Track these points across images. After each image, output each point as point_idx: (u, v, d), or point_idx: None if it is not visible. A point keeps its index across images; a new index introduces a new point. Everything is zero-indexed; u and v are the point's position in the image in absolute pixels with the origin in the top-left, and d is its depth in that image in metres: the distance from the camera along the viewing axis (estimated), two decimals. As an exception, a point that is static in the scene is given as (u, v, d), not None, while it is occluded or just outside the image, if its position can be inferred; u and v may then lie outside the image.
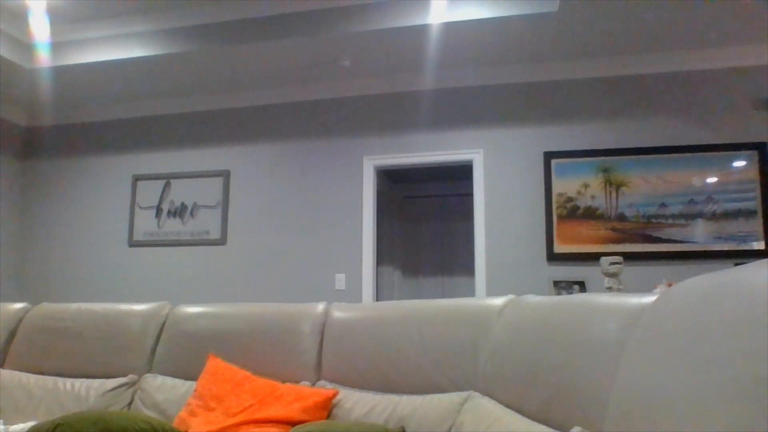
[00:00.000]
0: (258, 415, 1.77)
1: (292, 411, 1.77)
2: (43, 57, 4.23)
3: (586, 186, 3.96)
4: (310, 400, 1.82)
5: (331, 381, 1.99)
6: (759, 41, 3.73)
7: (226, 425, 1.74)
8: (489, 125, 4.22)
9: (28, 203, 5.09)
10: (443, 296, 5.80)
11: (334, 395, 1.86)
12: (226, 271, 4.51)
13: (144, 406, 2.14)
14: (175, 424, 1.88)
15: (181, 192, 4.72)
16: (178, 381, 2.16)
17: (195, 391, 1.97)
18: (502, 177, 4.13)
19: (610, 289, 3.05)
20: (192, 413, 1.87)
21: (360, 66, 4.21)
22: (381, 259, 5.87)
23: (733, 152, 3.80)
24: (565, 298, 1.54)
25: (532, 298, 1.62)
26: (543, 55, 4.00)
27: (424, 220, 6.22)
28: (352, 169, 4.41)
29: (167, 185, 4.75)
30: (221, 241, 4.55)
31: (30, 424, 2.07)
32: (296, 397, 1.84)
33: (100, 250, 4.82)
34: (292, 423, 1.73)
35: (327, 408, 1.83)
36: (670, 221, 3.81)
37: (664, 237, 3.81)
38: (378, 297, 4.64)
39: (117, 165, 4.93)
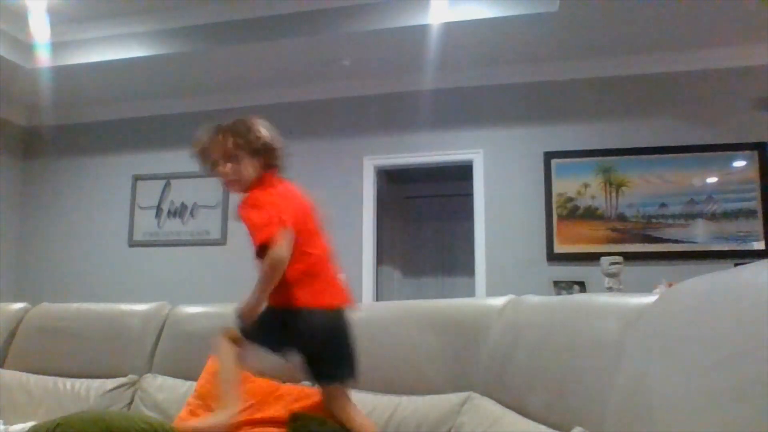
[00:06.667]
0: (258, 416, 1.76)
1: (293, 411, 1.77)
2: (43, 57, 4.22)
3: (586, 186, 3.96)
4: (310, 400, 1.82)
5: (331, 381, 1.98)
6: (759, 41, 3.72)
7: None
8: (489, 125, 4.22)
9: (28, 203, 5.09)
10: (443, 296, 5.79)
11: None
12: (226, 271, 4.50)
13: (144, 406, 2.13)
14: (175, 423, 1.88)
15: (181, 192, 4.71)
16: (178, 381, 2.15)
17: (195, 391, 1.97)
18: (502, 177, 4.13)
19: (610, 289, 3.05)
20: (192, 413, 1.87)
21: (360, 66, 4.21)
22: (381, 259, 5.86)
23: (733, 152, 3.80)
24: (565, 298, 1.54)
25: (532, 299, 1.62)
26: (543, 55, 4.00)
27: (424, 220, 6.22)
28: (352, 169, 4.41)
29: (167, 185, 4.75)
30: (221, 241, 4.55)
31: (30, 424, 2.07)
32: (297, 397, 1.84)
33: (100, 250, 4.81)
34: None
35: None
36: (670, 221, 3.81)
37: (664, 237, 3.81)
38: (378, 297, 4.64)
39: (117, 165, 4.92)
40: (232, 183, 1.73)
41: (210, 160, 1.72)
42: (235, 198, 1.87)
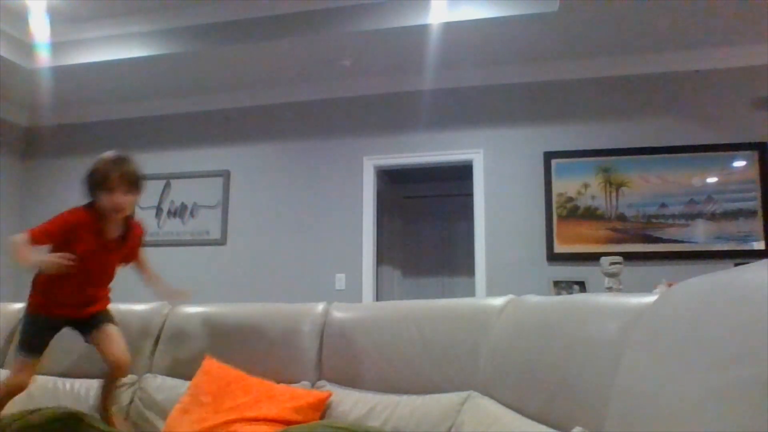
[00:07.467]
0: (250, 414, 1.77)
1: (285, 411, 1.77)
2: (43, 57, 4.22)
3: (586, 186, 3.96)
4: (303, 400, 1.82)
5: (330, 381, 1.99)
6: (759, 41, 3.73)
7: (217, 422, 1.74)
8: (489, 125, 4.22)
9: (28, 203, 5.09)
10: (443, 296, 5.79)
11: (328, 397, 1.86)
12: (226, 271, 4.51)
13: (144, 406, 2.13)
14: (167, 422, 1.88)
15: (181, 192, 4.71)
16: (177, 381, 2.15)
17: (188, 389, 1.96)
18: (502, 177, 4.13)
19: (610, 289, 3.05)
20: (184, 410, 1.86)
21: (360, 66, 4.21)
22: (381, 259, 5.86)
23: (733, 152, 3.80)
24: (565, 298, 1.54)
25: (532, 298, 1.62)
26: (543, 55, 4.00)
27: (424, 220, 6.22)
28: (352, 169, 4.41)
29: (167, 185, 4.75)
30: (221, 241, 4.55)
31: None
32: (290, 397, 1.84)
33: (100, 250, 4.81)
34: (285, 422, 1.73)
35: (320, 409, 1.83)
36: (670, 221, 3.81)
37: (664, 237, 3.81)
38: (378, 297, 4.64)
39: (117, 165, 4.91)
40: (125, 212, 2.01)
41: (138, 189, 2.01)
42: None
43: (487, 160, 4.17)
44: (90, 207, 1.97)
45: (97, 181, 1.93)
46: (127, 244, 2.07)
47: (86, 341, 2.11)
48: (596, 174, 3.96)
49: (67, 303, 2.04)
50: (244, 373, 1.98)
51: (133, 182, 1.98)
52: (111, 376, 2.06)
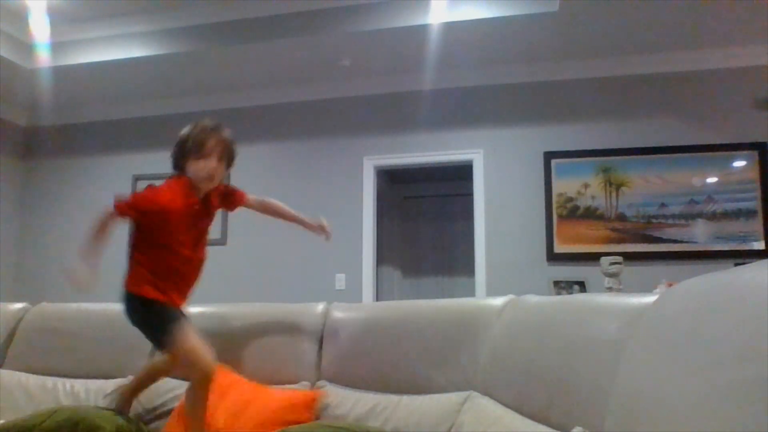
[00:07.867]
0: (246, 415, 1.76)
1: (279, 411, 1.77)
2: (43, 57, 4.22)
3: (586, 186, 3.96)
4: (296, 400, 1.83)
5: (330, 381, 1.98)
6: (759, 41, 3.72)
7: (215, 423, 1.74)
8: (489, 125, 4.22)
9: (28, 203, 5.08)
10: (443, 296, 5.78)
11: (318, 395, 1.85)
12: (226, 271, 4.50)
13: (143, 407, 2.13)
14: (167, 422, 1.87)
15: (181, 192, 4.70)
16: (177, 381, 2.15)
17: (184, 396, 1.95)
18: (502, 177, 4.13)
19: (610, 289, 3.04)
20: (180, 421, 1.85)
21: (360, 66, 4.21)
22: (381, 259, 5.86)
23: (733, 152, 3.80)
24: (565, 298, 1.54)
25: (532, 298, 1.62)
26: (543, 55, 4.00)
27: (424, 220, 6.22)
28: (352, 169, 4.41)
29: (167, 185, 4.74)
30: (221, 241, 4.54)
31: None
32: (284, 397, 1.84)
33: (100, 250, 4.80)
34: (282, 423, 1.73)
35: (312, 408, 1.83)
36: (670, 221, 3.81)
37: (664, 237, 3.81)
38: (378, 297, 4.64)
39: (117, 165, 4.92)
40: (216, 182, 1.95)
41: (231, 160, 1.95)
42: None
43: (487, 160, 4.17)
44: (181, 184, 1.86)
45: (190, 148, 1.84)
46: (211, 202, 2.03)
47: (160, 347, 1.89)
48: (596, 174, 3.96)
49: (178, 288, 1.95)
50: (240, 376, 1.97)
51: (228, 151, 1.89)
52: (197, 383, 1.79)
